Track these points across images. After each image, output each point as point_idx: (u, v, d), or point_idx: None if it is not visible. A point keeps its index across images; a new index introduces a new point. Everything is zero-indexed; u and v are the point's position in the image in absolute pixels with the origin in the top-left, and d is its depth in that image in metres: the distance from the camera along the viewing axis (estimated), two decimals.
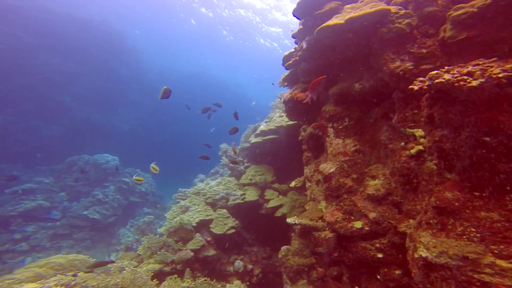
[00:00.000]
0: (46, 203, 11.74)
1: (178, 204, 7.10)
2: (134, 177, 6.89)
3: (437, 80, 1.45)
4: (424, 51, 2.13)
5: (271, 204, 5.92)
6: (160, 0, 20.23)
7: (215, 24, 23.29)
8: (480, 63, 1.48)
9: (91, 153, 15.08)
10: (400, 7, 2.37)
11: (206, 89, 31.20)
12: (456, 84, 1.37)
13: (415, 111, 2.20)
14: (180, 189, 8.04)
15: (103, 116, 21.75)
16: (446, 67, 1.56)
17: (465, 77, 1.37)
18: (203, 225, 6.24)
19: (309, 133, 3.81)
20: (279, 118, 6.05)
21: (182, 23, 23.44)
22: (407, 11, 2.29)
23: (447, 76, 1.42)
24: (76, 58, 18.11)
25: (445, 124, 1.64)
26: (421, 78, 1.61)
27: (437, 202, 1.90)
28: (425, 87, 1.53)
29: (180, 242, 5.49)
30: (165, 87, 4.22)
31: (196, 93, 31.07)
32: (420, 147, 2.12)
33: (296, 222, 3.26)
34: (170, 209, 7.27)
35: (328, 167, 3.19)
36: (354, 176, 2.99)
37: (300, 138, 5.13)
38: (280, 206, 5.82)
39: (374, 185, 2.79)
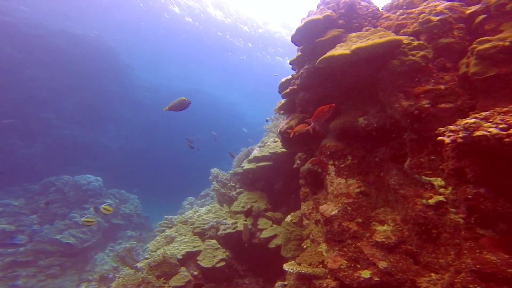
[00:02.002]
0: (11, 227, 10.50)
1: (162, 234, 6.42)
2: (102, 207, 6.26)
3: (477, 133, 1.17)
4: (442, 87, 1.87)
5: (265, 234, 5.43)
6: (154, 16, 20.47)
7: (209, 40, 23.65)
8: None
9: (75, 173, 14.10)
10: (412, 38, 2.15)
11: (199, 107, 31.04)
12: (506, 139, 1.09)
13: (432, 157, 1.92)
14: (166, 216, 7.36)
15: (90, 134, 20.72)
16: (482, 113, 1.30)
17: None
18: (189, 257, 5.61)
19: (307, 169, 3.49)
20: (273, 144, 5.74)
21: (175, 39, 23.64)
22: (420, 42, 2.06)
23: (491, 129, 1.14)
24: (66, 73, 17.52)
25: (482, 182, 1.36)
26: (452, 127, 1.33)
27: (478, 266, 1.56)
28: (459, 139, 1.25)
29: (163, 278, 4.82)
30: (183, 98, 3.40)
31: (189, 111, 30.74)
32: (441, 198, 1.82)
33: (295, 271, 2.81)
34: (154, 238, 6.59)
35: (329, 209, 2.83)
36: (359, 220, 2.64)
37: (295, 166, 4.79)
38: (274, 236, 5.35)
39: (383, 232, 2.44)
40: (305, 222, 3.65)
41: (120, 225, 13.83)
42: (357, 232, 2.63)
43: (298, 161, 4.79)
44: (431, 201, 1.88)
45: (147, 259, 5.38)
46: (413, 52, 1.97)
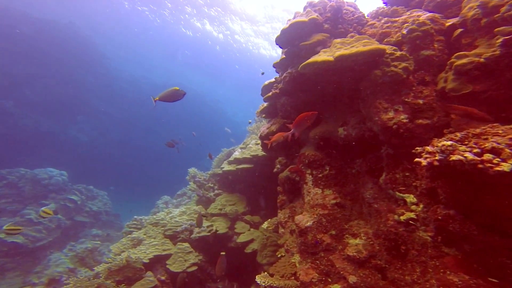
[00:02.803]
0: None
1: (129, 236, 5.98)
2: (41, 210, 5.70)
3: (453, 157, 1.12)
4: (421, 101, 1.84)
5: (241, 238, 5.29)
6: (134, 8, 19.33)
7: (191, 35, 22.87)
8: (500, 132, 1.21)
9: (35, 166, 12.76)
10: (395, 48, 2.07)
11: (182, 102, 29.87)
12: (480, 165, 1.05)
13: (406, 174, 1.90)
14: (135, 216, 6.88)
15: (57, 124, 18.90)
16: (457, 134, 1.26)
17: (491, 157, 1.06)
18: (158, 261, 5.28)
19: (286, 177, 3.40)
20: (255, 146, 5.60)
21: (158, 32, 22.56)
22: (402, 53, 1.99)
23: (467, 153, 1.10)
24: (29, 60, 15.82)
25: (453, 203, 1.33)
26: (429, 149, 1.28)
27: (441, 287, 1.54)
28: (435, 162, 1.20)
29: (124, 284, 4.45)
30: (177, 88, 2.87)
31: (171, 106, 29.49)
32: (412, 215, 1.80)
33: (267, 284, 2.69)
34: (119, 240, 6.12)
35: (304, 219, 2.75)
36: (333, 232, 2.59)
37: (275, 170, 4.71)
38: (251, 241, 5.23)
39: (355, 245, 2.40)
40: (281, 230, 3.55)
41: (85, 223, 12.78)
42: (330, 244, 2.57)
43: (278, 166, 4.70)
44: (402, 218, 1.85)
45: (108, 262, 4.96)
46: (395, 63, 1.93)
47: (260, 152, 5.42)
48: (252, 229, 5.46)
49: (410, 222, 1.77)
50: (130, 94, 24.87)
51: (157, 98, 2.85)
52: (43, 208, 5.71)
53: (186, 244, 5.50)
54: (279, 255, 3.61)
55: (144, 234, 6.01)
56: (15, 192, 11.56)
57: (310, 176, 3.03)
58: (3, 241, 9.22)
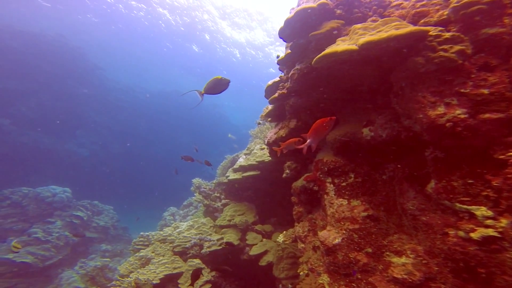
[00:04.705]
0: None
1: (137, 254, 5.58)
2: (12, 244, 5.48)
3: None
4: (486, 91, 1.40)
5: (254, 251, 4.87)
6: (123, 16, 18.70)
7: (186, 39, 22.27)
8: None
9: (37, 184, 12.38)
10: (441, 28, 1.62)
11: (180, 109, 29.25)
12: None
13: (469, 181, 1.47)
14: (141, 233, 6.46)
15: (55, 140, 18.34)
16: None
17: None
18: (169, 280, 4.89)
19: (301, 186, 2.96)
20: (260, 151, 5.17)
21: (152, 40, 21.98)
22: (455, 33, 1.55)
23: None
24: (20, 76, 15.28)
25: None
26: None
27: None
28: None
29: None
30: (219, 76, 2.31)
31: (168, 113, 28.91)
32: (491, 232, 1.38)
33: None
34: (127, 259, 5.72)
35: (331, 236, 2.32)
36: (369, 250, 2.16)
37: (284, 176, 4.29)
38: (265, 253, 4.81)
39: (402, 265, 1.98)
40: (301, 245, 3.12)
41: (94, 238, 12.47)
42: (368, 264, 2.14)
43: (287, 171, 4.27)
44: (474, 235, 1.43)
45: (116, 286, 4.56)
46: (445, 47, 1.50)
47: (266, 158, 5.00)
48: (264, 240, 5.05)
49: (491, 240, 1.35)
50: (127, 105, 24.33)
51: (203, 92, 2.36)
52: (13, 242, 5.49)
53: (197, 260, 5.11)
54: (300, 272, 3.20)
55: (152, 252, 5.61)
56: (19, 211, 11.24)
57: (332, 185, 2.61)
58: (12, 261, 8.91)
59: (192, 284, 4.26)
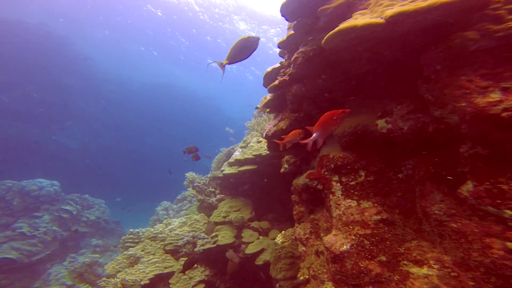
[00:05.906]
0: None
1: (125, 253, 5.22)
2: None
3: None
4: None
5: (251, 249, 4.59)
6: (112, 4, 17.48)
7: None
8: None
9: (26, 177, 11.73)
10: None
11: (174, 101, 28.31)
12: None
13: None
14: (131, 230, 6.07)
15: (43, 132, 17.39)
16: None
17: None
18: (160, 280, 4.59)
19: (304, 185, 2.64)
20: (256, 145, 4.81)
21: (142, 27, 20.73)
22: None
23: None
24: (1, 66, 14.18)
25: None
26: None
27: None
28: None
29: None
30: (246, 36, 1.83)
31: (162, 106, 27.97)
32: None
33: None
34: (114, 258, 5.38)
35: (338, 242, 2.02)
36: (383, 258, 1.87)
37: (282, 171, 3.97)
38: (262, 251, 4.55)
39: (423, 277, 1.70)
40: (301, 248, 2.83)
41: (84, 233, 12.01)
42: (381, 275, 1.85)
43: (286, 165, 3.94)
44: None
45: (102, 287, 4.22)
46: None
47: (264, 151, 4.65)
48: (261, 237, 4.77)
49: None
50: (119, 96, 23.32)
51: (227, 62, 1.89)
52: None
53: None
54: (300, 277, 2.93)
55: (142, 251, 5.25)
56: (3, 206, 10.61)
57: (338, 184, 2.29)
58: None
59: (183, 272, 3.94)
